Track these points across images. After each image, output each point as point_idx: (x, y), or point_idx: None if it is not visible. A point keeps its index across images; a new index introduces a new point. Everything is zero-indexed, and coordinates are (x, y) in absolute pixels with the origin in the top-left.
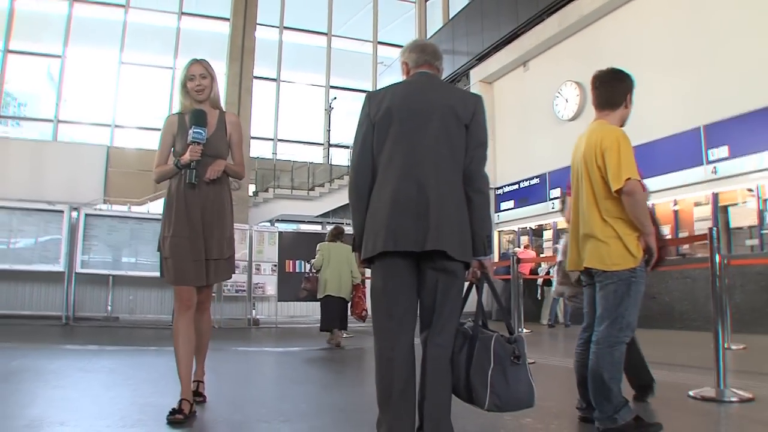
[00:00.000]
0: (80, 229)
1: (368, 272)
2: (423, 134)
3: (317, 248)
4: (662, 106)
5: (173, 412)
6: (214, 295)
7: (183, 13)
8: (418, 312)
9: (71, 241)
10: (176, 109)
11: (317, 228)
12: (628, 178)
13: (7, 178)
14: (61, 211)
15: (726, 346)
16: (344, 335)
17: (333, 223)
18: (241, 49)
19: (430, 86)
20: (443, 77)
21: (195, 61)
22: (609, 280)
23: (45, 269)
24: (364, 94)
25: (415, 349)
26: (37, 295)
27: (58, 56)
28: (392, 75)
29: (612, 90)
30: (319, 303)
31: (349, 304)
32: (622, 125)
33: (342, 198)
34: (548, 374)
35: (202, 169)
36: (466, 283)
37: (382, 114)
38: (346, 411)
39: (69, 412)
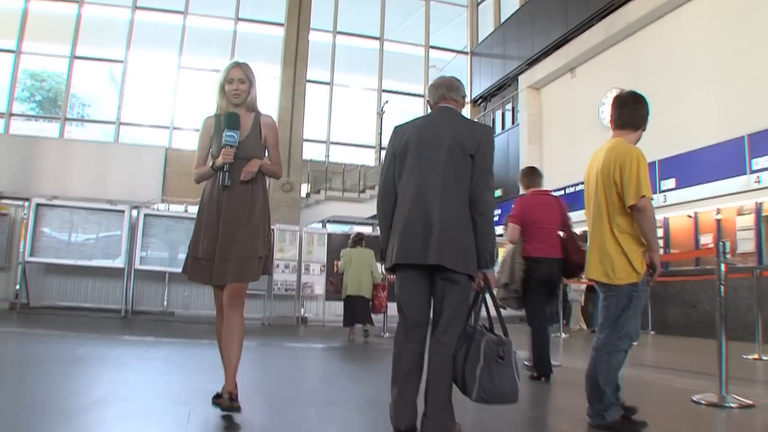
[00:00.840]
0: (140, 228)
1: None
2: (433, 165)
3: (341, 254)
4: (706, 114)
5: (217, 395)
6: (263, 293)
7: (239, 19)
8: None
9: (131, 239)
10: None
11: (368, 230)
12: (643, 196)
13: (72, 177)
14: (122, 211)
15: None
16: (367, 327)
17: None
18: (295, 55)
19: (444, 121)
20: (493, 82)
21: (236, 65)
22: (612, 293)
23: (106, 265)
24: (415, 98)
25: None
26: (98, 289)
27: (121, 61)
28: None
29: (636, 112)
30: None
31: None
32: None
33: None
34: (570, 377)
35: (234, 171)
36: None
37: (402, 147)
38: (370, 401)
39: (129, 392)
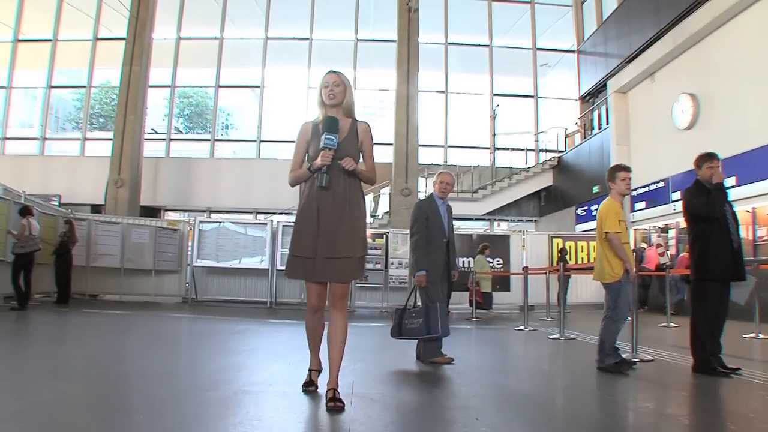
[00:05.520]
0: (279, 236)
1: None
2: None
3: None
4: (764, 115)
5: (307, 384)
6: (381, 286)
7: (359, 40)
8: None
9: (273, 245)
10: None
11: (485, 225)
12: (607, 232)
13: (221, 190)
14: (265, 223)
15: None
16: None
17: (499, 220)
18: (407, 73)
19: None
20: (598, 79)
21: (330, 72)
22: (608, 288)
23: (254, 266)
24: (525, 99)
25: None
26: (248, 286)
27: (257, 86)
28: (555, 75)
29: (607, 179)
30: None
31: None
32: (623, 194)
33: (504, 198)
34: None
35: (332, 173)
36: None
37: None
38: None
39: (270, 345)
